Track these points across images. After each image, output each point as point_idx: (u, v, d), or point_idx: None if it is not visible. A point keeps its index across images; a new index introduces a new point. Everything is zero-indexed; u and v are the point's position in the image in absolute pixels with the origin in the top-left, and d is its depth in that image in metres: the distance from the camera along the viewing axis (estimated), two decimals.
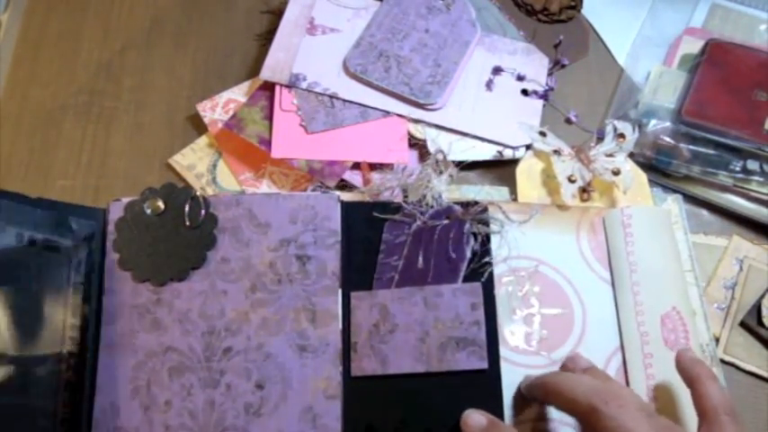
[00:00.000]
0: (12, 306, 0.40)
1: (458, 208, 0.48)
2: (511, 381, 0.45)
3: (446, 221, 0.47)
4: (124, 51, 0.61)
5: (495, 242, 0.50)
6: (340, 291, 0.45)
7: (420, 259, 0.45)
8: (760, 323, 0.50)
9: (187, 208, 0.45)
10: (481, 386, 0.44)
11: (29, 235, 0.41)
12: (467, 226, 0.47)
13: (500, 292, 0.49)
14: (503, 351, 0.47)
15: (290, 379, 0.42)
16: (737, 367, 0.49)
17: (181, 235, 0.44)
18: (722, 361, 0.49)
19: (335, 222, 0.45)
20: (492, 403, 0.43)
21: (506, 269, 0.49)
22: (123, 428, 0.41)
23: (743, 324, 0.50)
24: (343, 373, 0.43)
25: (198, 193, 0.45)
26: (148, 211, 0.45)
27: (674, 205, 0.54)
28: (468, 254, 0.46)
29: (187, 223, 0.44)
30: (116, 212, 0.45)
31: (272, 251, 0.44)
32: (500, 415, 0.43)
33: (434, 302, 0.44)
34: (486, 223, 0.48)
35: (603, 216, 0.52)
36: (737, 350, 0.50)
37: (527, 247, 0.50)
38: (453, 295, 0.44)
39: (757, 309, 0.50)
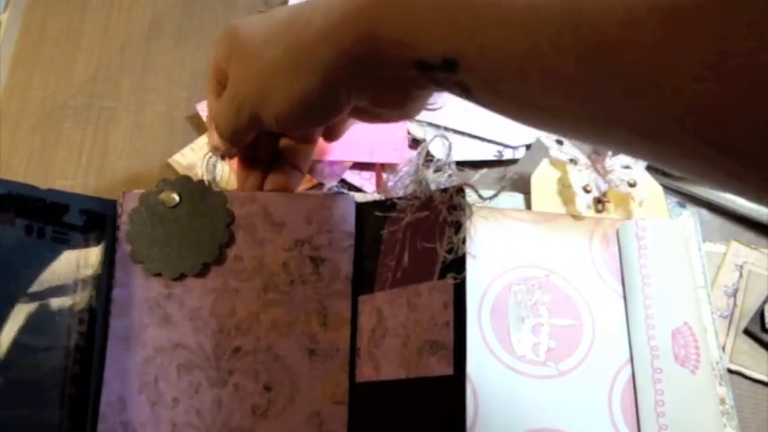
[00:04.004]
0: (18, 298, 0.39)
1: (438, 196, 0.44)
2: (517, 390, 0.45)
3: (426, 213, 0.44)
4: (124, 51, 0.61)
5: (506, 249, 0.49)
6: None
7: (406, 257, 0.44)
8: (764, 329, 0.50)
9: (202, 202, 0.44)
10: (446, 393, 0.39)
11: (38, 226, 0.41)
12: (442, 215, 0.42)
13: (509, 300, 0.48)
14: (510, 360, 0.46)
15: (299, 382, 0.42)
16: (744, 375, 0.49)
17: (195, 229, 0.43)
18: (729, 370, 0.49)
19: (350, 225, 0.45)
20: (454, 414, 0.38)
21: (517, 277, 0.49)
22: (130, 423, 0.41)
23: (747, 331, 0.50)
24: (350, 379, 0.42)
25: (214, 188, 0.45)
26: (163, 204, 0.44)
27: (689, 219, 0.54)
28: (444, 246, 0.41)
29: (202, 218, 0.44)
30: (130, 203, 0.44)
31: (286, 251, 0.44)
32: (462, 425, 0.38)
33: (415, 303, 0.42)
34: (456, 208, 0.42)
35: (618, 228, 0.51)
36: (743, 358, 0.50)
37: (538, 255, 0.50)
38: (429, 294, 0.41)
39: (760, 315, 0.50)
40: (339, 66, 0.35)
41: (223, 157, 0.44)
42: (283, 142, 0.47)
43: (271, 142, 0.47)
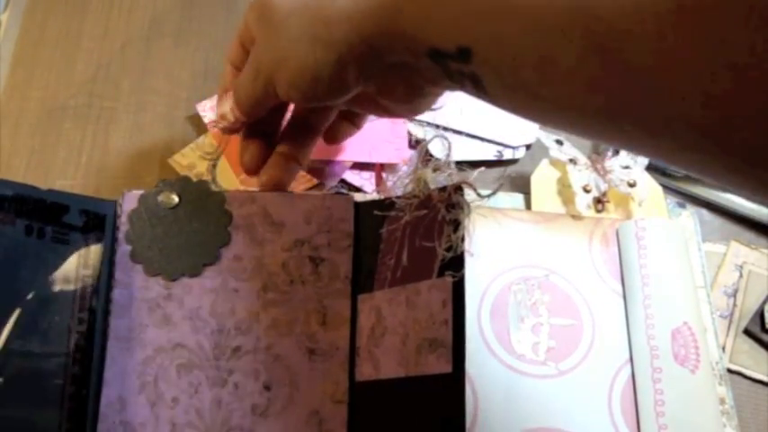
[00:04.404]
0: (19, 299, 0.39)
1: (436, 194, 0.43)
2: (517, 390, 0.45)
3: (425, 211, 0.43)
4: (124, 51, 0.61)
5: (506, 249, 0.49)
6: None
7: (405, 255, 0.43)
8: (764, 329, 0.50)
9: (202, 202, 0.44)
10: (445, 391, 0.39)
11: (38, 227, 0.41)
12: (440, 213, 0.42)
13: (509, 299, 0.48)
14: (509, 359, 0.46)
15: (298, 382, 0.42)
16: (744, 375, 0.49)
17: (194, 230, 0.43)
18: (729, 370, 0.49)
19: (349, 225, 0.45)
20: (453, 412, 0.38)
21: (516, 277, 0.49)
22: (129, 423, 0.41)
23: (747, 331, 0.50)
24: (350, 378, 0.42)
25: (213, 188, 0.45)
26: (162, 204, 0.44)
27: (689, 220, 0.54)
28: (443, 244, 0.41)
29: (201, 218, 0.44)
30: (129, 203, 0.44)
31: (286, 251, 0.44)
32: (461, 423, 0.38)
33: (414, 301, 0.42)
34: (454, 206, 0.42)
35: (617, 228, 0.51)
36: (743, 358, 0.50)
37: (538, 255, 0.50)
38: (428, 292, 0.41)
39: (760, 315, 0.50)
40: (355, 49, 0.36)
41: (224, 131, 0.44)
42: (285, 132, 0.47)
43: (277, 119, 0.47)
